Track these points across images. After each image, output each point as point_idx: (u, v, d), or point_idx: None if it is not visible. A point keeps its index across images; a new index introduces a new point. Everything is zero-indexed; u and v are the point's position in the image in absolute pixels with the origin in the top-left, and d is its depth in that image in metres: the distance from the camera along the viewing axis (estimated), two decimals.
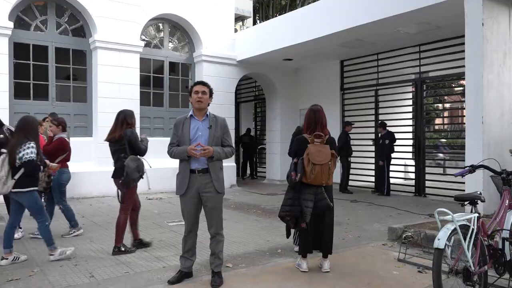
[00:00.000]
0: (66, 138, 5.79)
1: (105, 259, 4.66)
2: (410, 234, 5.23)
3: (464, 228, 3.15)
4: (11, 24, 8.68)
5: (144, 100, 10.61)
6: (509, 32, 6.55)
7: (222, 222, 3.96)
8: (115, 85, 9.84)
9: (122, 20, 9.96)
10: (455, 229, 3.08)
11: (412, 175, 10.21)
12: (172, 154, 3.90)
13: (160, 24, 11.10)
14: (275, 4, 24.36)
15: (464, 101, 6.86)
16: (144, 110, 10.52)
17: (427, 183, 9.53)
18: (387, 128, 9.86)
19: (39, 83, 9.43)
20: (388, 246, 5.26)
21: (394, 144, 9.74)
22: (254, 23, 22.49)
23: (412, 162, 9.69)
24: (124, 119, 4.91)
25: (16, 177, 4.31)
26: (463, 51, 6.49)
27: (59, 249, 4.63)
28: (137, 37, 10.21)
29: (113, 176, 4.95)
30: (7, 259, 4.47)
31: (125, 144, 4.81)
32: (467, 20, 6.35)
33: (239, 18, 20.20)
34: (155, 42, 11.01)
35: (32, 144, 4.39)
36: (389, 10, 7.61)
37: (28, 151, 4.33)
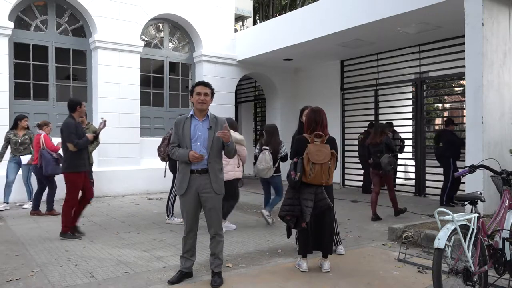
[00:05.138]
0: None
1: (105, 259, 4.66)
2: (410, 234, 5.23)
3: (464, 228, 3.15)
4: (11, 24, 8.68)
5: (144, 100, 10.60)
6: (509, 32, 6.55)
7: (222, 223, 3.96)
8: (115, 85, 9.84)
9: (122, 20, 9.96)
10: (455, 229, 3.08)
11: (412, 175, 10.21)
12: (174, 155, 3.88)
13: (160, 24, 11.09)
14: (275, 4, 24.37)
15: (464, 101, 6.85)
16: (144, 110, 10.52)
17: (427, 183, 9.53)
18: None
19: (39, 83, 9.43)
20: (388, 246, 5.26)
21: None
22: (254, 23, 22.51)
23: (412, 162, 9.68)
24: (383, 129, 7.00)
25: (275, 166, 6.34)
26: (463, 51, 6.48)
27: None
28: (137, 37, 10.21)
29: (372, 167, 6.98)
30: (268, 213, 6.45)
31: (382, 147, 6.77)
32: (467, 20, 6.35)
33: (239, 18, 20.22)
34: (155, 42, 11.01)
35: (284, 144, 6.44)
36: (388, 10, 7.61)
37: (284, 149, 6.39)
